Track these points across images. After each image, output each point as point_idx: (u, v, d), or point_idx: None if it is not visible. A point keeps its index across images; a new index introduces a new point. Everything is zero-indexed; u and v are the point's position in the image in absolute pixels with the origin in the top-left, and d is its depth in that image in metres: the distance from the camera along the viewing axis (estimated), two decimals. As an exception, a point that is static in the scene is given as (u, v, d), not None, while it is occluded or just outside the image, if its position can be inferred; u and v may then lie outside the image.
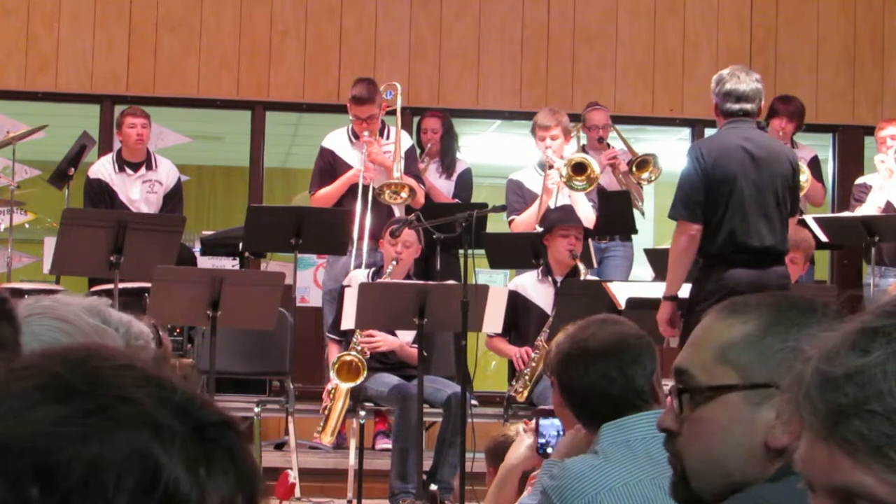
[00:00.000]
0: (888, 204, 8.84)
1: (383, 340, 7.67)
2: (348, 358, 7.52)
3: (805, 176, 8.47)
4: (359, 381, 7.47)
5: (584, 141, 9.37)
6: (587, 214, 8.54)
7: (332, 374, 7.56)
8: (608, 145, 9.33)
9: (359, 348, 7.56)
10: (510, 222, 8.72)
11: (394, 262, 7.65)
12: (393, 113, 8.86)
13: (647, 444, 2.84)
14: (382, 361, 7.72)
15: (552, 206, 8.43)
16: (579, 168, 8.45)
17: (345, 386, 7.54)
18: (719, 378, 1.87)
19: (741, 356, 1.87)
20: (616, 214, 8.88)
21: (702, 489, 1.88)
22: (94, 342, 2.10)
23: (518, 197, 8.72)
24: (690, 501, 1.91)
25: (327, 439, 7.89)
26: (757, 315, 1.90)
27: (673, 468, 1.93)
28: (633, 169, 9.14)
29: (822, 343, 1.15)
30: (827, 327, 1.81)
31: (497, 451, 4.54)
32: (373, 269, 8.05)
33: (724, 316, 1.93)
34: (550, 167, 8.54)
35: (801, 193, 8.60)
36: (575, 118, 9.17)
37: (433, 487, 7.21)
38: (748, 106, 6.54)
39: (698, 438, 1.88)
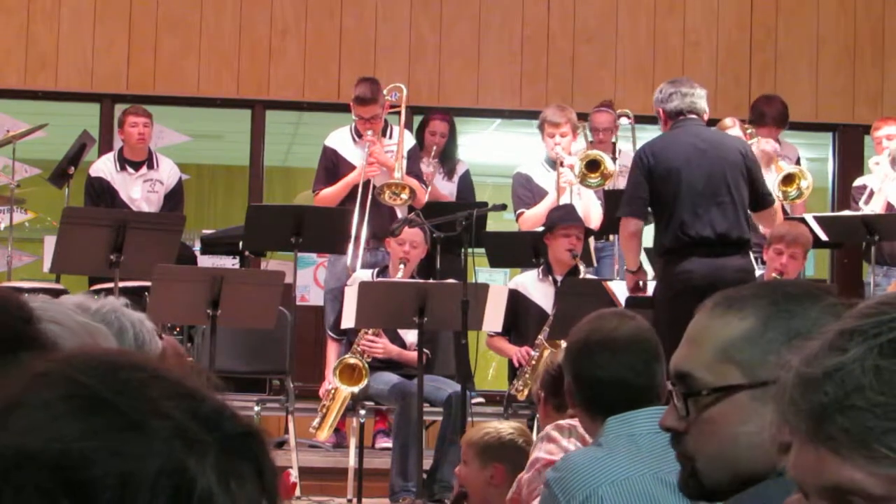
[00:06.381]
0: (888, 204, 8.83)
1: (384, 347, 7.69)
2: (351, 361, 7.52)
3: (807, 182, 8.45)
4: (360, 387, 7.48)
5: (591, 138, 9.34)
6: (596, 214, 8.53)
7: (334, 378, 7.57)
8: (614, 146, 9.32)
9: (360, 350, 7.57)
10: (519, 215, 8.69)
11: (402, 265, 7.66)
12: (397, 113, 8.86)
13: (651, 438, 2.84)
14: (383, 360, 7.73)
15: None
16: (593, 165, 8.44)
17: (346, 389, 7.55)
18: (724, 378, 1.83)
19: (744, 354, 1.82)
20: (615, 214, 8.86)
21: (714, 486, 1.87)
22: (93, 343, 2.08)
23: (526, 191, 8.70)
24: (702, 497, 1.89)
25: (323, 436, 7.91)
26: (754, 309, 1.85)
27: (682, 466, 1.90)
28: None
29: (803, 349, 1.16)
30: (827, 310, 1.82)
31: (490, 449, 4.53)
32: (377, 270, 8.05)
33: (720, 312, 1.87)
34: (561, 164, 8.53)
35: (801, 200, 8.61)
36: (581, 117, 9.15)
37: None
38: (696, 103, 6.66)
39: (709, 438, 1.85)
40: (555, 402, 4.13)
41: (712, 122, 7.02)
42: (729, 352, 1.84)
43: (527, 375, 7.78)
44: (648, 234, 11.11)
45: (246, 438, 1.02)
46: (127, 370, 1.01)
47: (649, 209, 6.88)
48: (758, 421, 1.81)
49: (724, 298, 1.90)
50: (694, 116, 6.70)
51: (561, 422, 3.95)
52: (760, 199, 6.74)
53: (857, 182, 9.37)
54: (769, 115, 9.14)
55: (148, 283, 7.19)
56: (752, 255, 7.05)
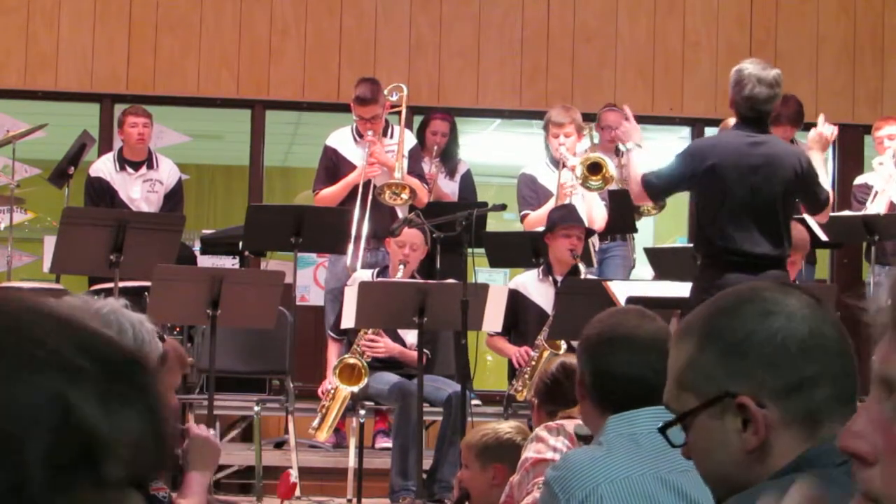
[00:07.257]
0: (891, 204, 8.83)
1: (385, 346, 7.69)
2: (351, 361, 7.53)
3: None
4: (360, 386, 7.49)
5: (596, 140, 9.32)
6: (600, 215, 8.52)
7: (334, 377, 7.57)
8: (618, 148, 9.29)
9: (360, 350, 7.58)
10: (523, 217, 8.68)
11: (402, 266, 7.66)
12: (398, 112, 8.86)
13: (652, 437, 2.83)
14: (383, 360, 7.74)
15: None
16: (594, 168, 8.41)
17: (346, 389, 7.56)
18: (684, 404, 1.96)
19: (690, 378, 1.96)
20: (618, 213, 8.86)
21: (723, 501, 1.96)
22: None
23: (531, 192, 8.68)
24: None
25: (323, 436, 7.91)
26: (692, 333, 1.98)
27: None
28: None
29: None
30: (757, 309, 1.91)
31: (489, 450, 4.52)
32: (377, 270, 8.05)
33: (675, 343, 2.02)
34: (564, 165, 8.51)
35: None
36: (589, 117, 9.13)
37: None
38: (763, 111, 6.50)
39: (697, 463, 1.98)
40: (548, 410, 4.12)
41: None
42: (681, 380, 1.97)
43: (526, 376, 7.79)
44: (650, 234, 11.12)
45: (128, 365, 1.04)
46: (14, 308, 1.03)
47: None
48: (720, 439, 1.92)
49: (678, 328, 2.04)
50: (758, 127, 6.54)
51: (549, 423, 3.95)
52: (815, 206, 6.68)
53: (858, 181, 9.37)
54: (785, 114, 9.09)
55: (148, 283, 7.19)
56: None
